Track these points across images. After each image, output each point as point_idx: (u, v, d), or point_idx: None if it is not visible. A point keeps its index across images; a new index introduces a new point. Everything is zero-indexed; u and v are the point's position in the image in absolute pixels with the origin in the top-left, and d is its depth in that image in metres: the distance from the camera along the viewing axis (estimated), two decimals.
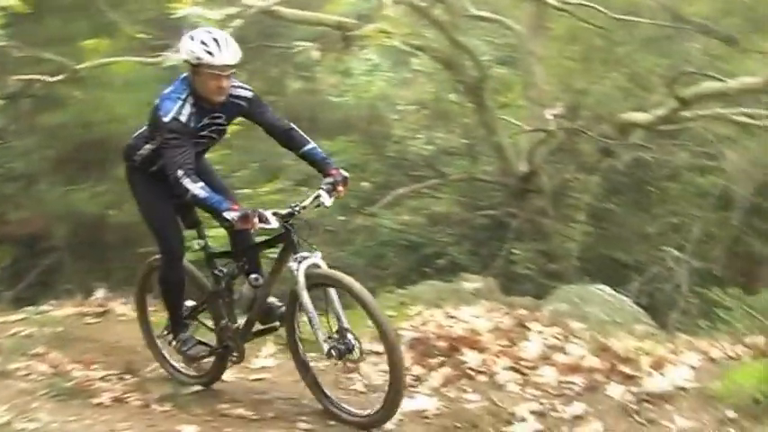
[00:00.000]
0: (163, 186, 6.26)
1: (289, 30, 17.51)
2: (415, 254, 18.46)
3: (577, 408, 5.94)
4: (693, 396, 5.85)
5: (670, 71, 16.06)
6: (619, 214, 18.51)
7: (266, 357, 7.45)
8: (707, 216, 17.64)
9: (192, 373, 7.10)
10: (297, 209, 6.12)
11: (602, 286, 9.36)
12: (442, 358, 6.80)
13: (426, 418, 6.07)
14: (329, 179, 6.29)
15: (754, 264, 18.23)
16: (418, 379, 6.56)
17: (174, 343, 6.95)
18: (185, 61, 6.15)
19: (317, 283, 6.07)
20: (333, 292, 6.00)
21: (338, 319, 5.99)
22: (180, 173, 5.90)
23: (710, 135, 17.50)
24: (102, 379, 7.05)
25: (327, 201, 6.19)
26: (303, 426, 6.14)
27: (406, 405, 6.11)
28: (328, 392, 6.31)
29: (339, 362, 6.06)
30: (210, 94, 6.12)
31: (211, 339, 6.85)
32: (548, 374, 6.42)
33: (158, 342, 7.30)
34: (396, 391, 5.84)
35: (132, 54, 13.60)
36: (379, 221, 18.26)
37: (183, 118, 6.03)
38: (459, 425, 5.84)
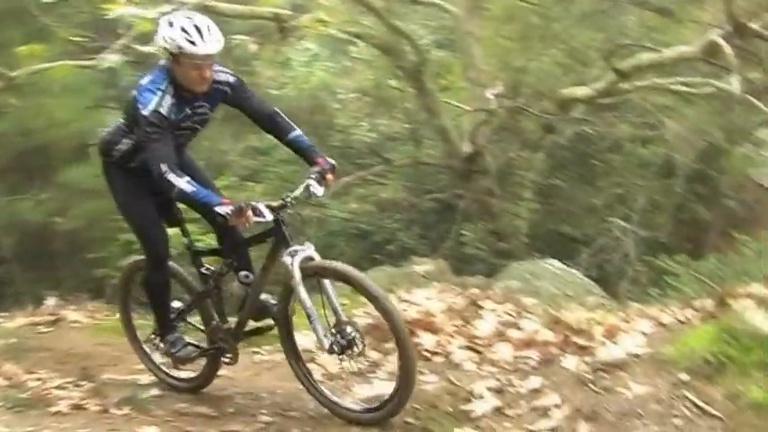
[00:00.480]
0: (144, 183, 5.98)
1: (225, 24, 17.40)
2: (365, 241, 18.50)
3: (534, 381, 5.97)
4: (647, 362, 5.90)
5: (607, 44, 16.23)
6: (564, 189, 18.69)
7: None
8: (651, 185, 17.87)
9: (183, 376, 6.81)
10: (288, 200, 5.82)
11: (551, 261, 9.44)
12: None
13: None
14: (316, 168, 6.00)
15: (700, 230, 18.48)
16: (375, 364, 6.53)
17: (161, 345, 6.63)
18: (164, 49, 5.74)
19: (312, 274, 5.79)
20: (328, 283, 5.75)
21: (336, 313, 5.72)
22: (163, 168, 5.57)
23: (650, 105, 17.70)
24: (58, 387, 6.94)
25: (318, 190, 5.90)
26: (264, 419, 6.10)
27: (366, 391, 6.12)
28: (327, 392, 6.08)
29: (341, 357, 5.80)
30: (193, 84, 5.77)
31: (202, 340, 6.59)
32: (503, 351, 6.44)
33: (145, 347, 6.96)
34: (406, 383, 5.62)
35: (69, 58, 13.45)
36: (328, 211, 18.26)
37: (164, 110, 5.67)
38: (418, 407, 5.82)
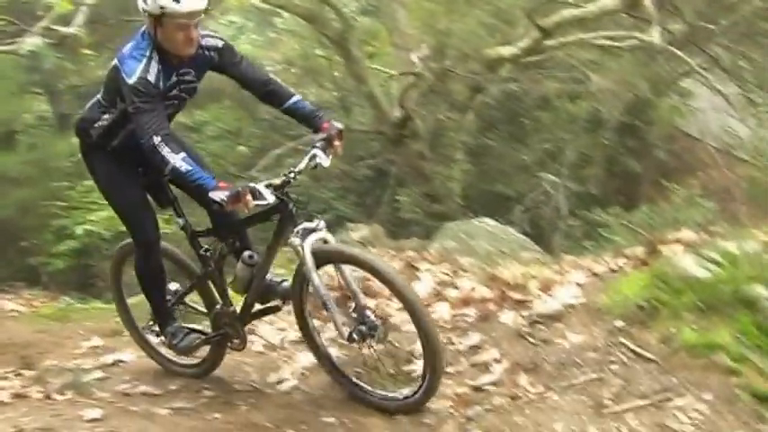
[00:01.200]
0: (127, 164, 5.67)
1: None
2: (300, 212, 18.48)
3: (473, 338, 6.06)
4: (582, 312, 6.00)
5: (530, 2, 16.26)
6: (496, 148, 18.81)
7: None
8: (581, 140, 18.03)
9: (186, 362, 6.46)
10: (292, 175, 5.38)
11: (486, 219, 9.50)
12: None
13: (306, 370, 6.09)
14: (322, 135, 5.54)
15: (632, 181, 18.73)
16: (316, 331, 6.54)
17: (162, 338, 6.27)
18: (144, 12, 5.25)
19: (328, 261, 5.43)
20: (346, 266, 5.41)
21: (355, 297, 5.39)
22: (156, 140, 5.09)
23: (575, 61, 17.84)
24: None
25: (325, 161, 5.46)
26: (208, 393, 6.11)
27: (308, 359, 6.12)
28: (353, 377, 5.78)
29: (362, 345, 5.49)
30: (179, 47, 5.29)
31: (205, 325, 6.27)
32: (441, 310, 6.49)
33: (144, 333, 6.56)
34: (433, 372, 5.30)
35: None
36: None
37: (152, 77, 5.22)
38: (360, 370, 5.87)
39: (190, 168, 5.12)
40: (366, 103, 18.33)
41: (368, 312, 5.36)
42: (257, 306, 5.93)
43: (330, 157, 5.51)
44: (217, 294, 6.02)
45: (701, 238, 6.74)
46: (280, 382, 6.15)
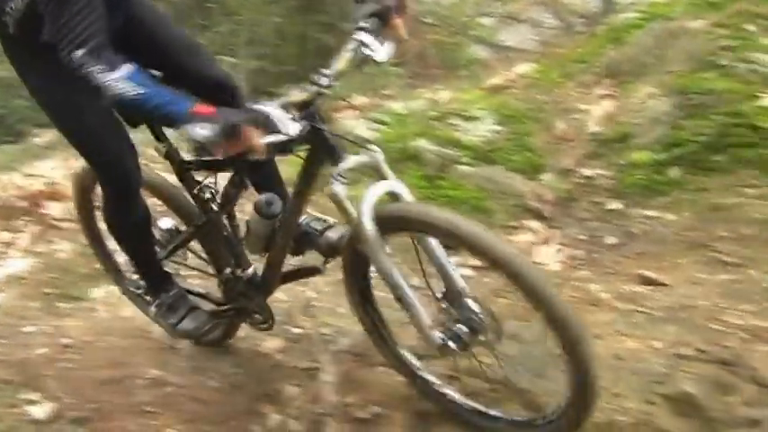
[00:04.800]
0: None
1: None
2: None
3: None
4: None
5: None
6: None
7: None
8: (270, 20, 18.19)
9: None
10: (325, 83, 3.27)
11: None
12: (27, 217, 6.65)
13: (23, 278, 5.88)
14: (369, 7, 3.39)
15: (328, 56, 19.06)
16: (7, 244, 6.39)
17: (154, 310, 4.29)
18: None
19: (401, 229, 3.35)
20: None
21: (446, 279, 3.37)
22: (79, 53, 2.95)
23: None
24: None
25: (380, 52, 3.33)
26: None
27: (3, 272, 5.95)
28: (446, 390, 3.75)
29: (463, 356, 3.42)
30: None
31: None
32: None
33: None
34: (583, 396, 3.19)
35: None
36: None
37: None
38: (53, 275, 5.81)
39: (140, 91, 2.99)
40: None
41: (468, 301, 3.34)
42: (288, 265, 3.98)
43: (389, 47, 3.37)
44: (225, 252, 4.08)
45: (373, 103, 7.04)
46: None
